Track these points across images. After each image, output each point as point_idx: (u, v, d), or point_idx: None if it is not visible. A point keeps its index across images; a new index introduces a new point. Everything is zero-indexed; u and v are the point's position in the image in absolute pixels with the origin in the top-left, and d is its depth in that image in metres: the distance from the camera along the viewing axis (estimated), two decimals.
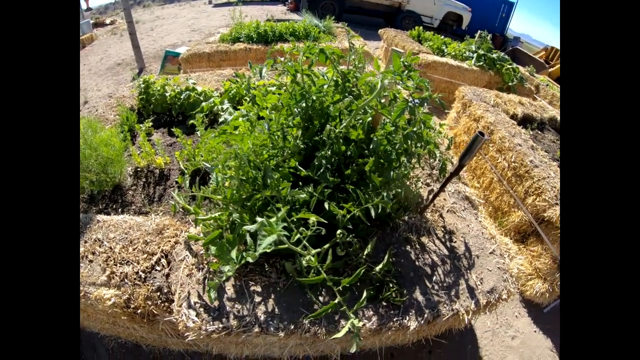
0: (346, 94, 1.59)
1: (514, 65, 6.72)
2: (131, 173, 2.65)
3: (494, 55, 6.54)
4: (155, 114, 3.35)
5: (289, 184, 1.32)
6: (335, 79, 1.71)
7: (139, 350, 2.43)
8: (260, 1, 16.70)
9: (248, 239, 1.12)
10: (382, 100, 1.48)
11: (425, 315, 1.58)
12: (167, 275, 1.70)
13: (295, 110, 1.54)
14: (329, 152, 1.43)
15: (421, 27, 8.19)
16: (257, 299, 1.48)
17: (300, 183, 1.52)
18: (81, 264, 1.69)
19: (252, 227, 1.08)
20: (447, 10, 13.46)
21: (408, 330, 1.53)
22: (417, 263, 1.76)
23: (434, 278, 1.73)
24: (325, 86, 1.72)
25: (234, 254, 1.15)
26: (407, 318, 1.54)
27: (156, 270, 1.72)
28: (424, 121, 1.49)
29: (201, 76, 3.86)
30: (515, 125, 3.90)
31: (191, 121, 2.59)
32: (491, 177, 3.67)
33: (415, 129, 1.36)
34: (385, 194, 1.38)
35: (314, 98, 1.50)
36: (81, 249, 1.75)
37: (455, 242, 1.96)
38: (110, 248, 1.78)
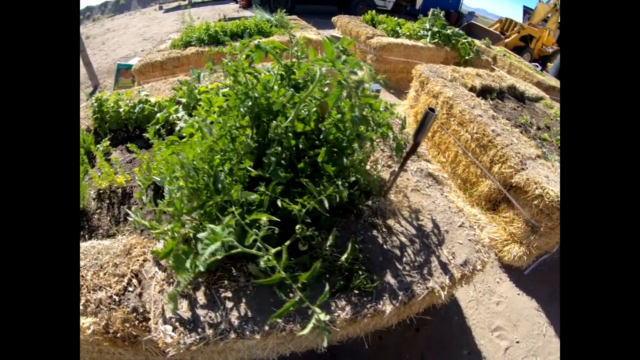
0: (290, 87, 1.57)
1: (469, 39, 6.84)
2: (94, 196, 2.57)
3: (449, 31, 6.62)
4: (112, 132, 3.23)
5: (240, 187, 1.30)
6: (280, 73, 1.69)
7: None
8: (212, 1, 16.38)
9: (200, 247, 1.10)
10: (325, 89, 1.47)
11: (400, 298, 1.58)
12: (140, 295, 1.67)
13: (242, 110, 1.51)
14: (279, 148, 1.40)
15: (374, 11, 8.22)
16: (229, 304, 1.46)
17: (261, 183, 1.50)
18: None
19: (202, 236, 1.06)
20: None
21: (384, 315, 1.54)
22: (385, 247, 1.77)
23: (405, 259, 1.74)
24: (272, 81, 1.70)
25: (188, 264, 1.12)
26: (382, 303, 1.55)
27: (129, 291, 1.68)
28: (370, 104, 1.48)
29: (154, 86, 3.74)
30: (474, 97, 3.97)
31: (145, 134, 2.51)
32: (456, 151, 3.73)
33: (356, 112, 1.35)
34: (340, 183, 1.38)
35: (257, 95, 1.47)
36: None
37: (422, 220, 1.97)
38: (82, 276, 1.72)
